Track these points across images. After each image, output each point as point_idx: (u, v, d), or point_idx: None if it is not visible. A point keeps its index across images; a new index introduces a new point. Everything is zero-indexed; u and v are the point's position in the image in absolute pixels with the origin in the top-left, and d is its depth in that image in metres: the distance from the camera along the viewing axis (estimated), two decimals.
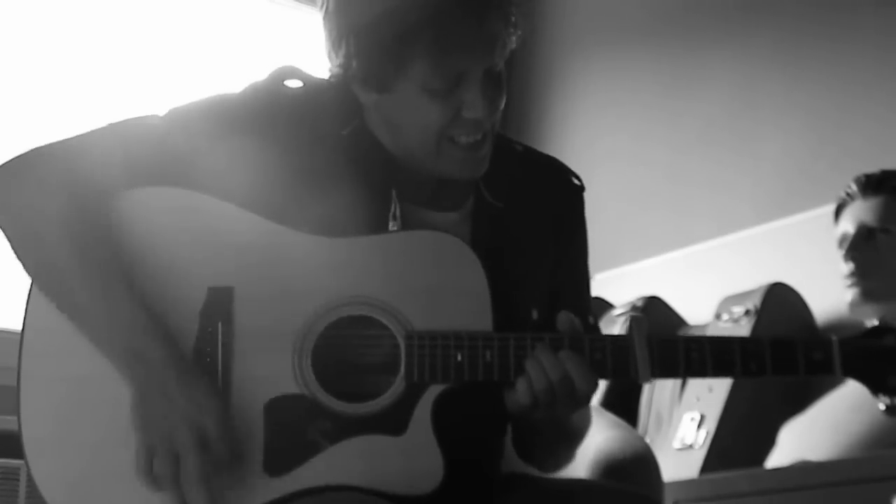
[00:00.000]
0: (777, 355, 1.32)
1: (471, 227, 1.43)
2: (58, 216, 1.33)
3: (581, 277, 1.53)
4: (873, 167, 2.52)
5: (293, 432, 1.31)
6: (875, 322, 2.42)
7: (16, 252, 1.36)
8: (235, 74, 3.60)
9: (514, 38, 1.35)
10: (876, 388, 1.33)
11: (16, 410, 1.33)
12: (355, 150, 1.41)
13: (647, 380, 1.32)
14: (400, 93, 1.34)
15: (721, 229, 3.18)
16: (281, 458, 1.30)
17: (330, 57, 1.37)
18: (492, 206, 1.44)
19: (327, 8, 1.34)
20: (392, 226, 1.40)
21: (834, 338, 1.34)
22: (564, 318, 1.33)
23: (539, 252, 1.46)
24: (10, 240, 1.37)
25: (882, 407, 1.33)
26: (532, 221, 1.47)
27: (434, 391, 1.31)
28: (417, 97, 1.33)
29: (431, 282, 1.34)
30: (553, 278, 1.47)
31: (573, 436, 1.47)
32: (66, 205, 1.33)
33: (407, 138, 1.38)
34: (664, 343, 1.33)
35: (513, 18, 1.34)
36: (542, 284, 1.45)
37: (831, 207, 2.59)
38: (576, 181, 1.52)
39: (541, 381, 1.29)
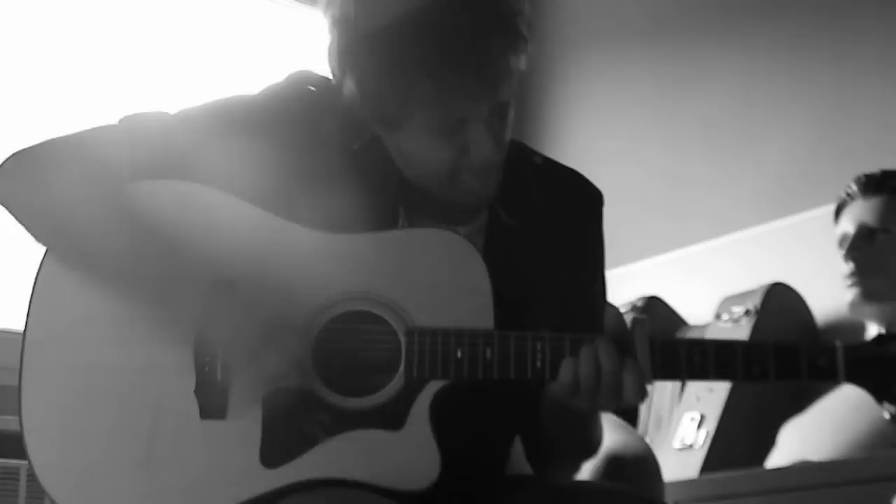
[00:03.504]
0: (780, 360, 1.30)
1: (483, 242, 1.43)
2: (83, 199, 1.34)
3: (595, 293, 1.52)
4: (873, 167, 2.53)
5: (291, 424, 1.31)
6: (881, 329, 2.44)
7: (37, 235, 1.37)
8: (237, 74, 3.61)
9: (522, 62, 1.33)
10: (880, 396, 1.30)
11: (17, 399, 1.33)
12: (365, 164, 1.41)
13: (648, 381, 1.31)
14: (407, 132, 1.34)
15: (721, 229, 3.19)
16: (278, 450, 1.30)
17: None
18: (506, 223, 1.44)
19: (329, 47, 1.34)
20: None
21: (838, 343, 1.31)
22: (613, 317, 1.33)
23: (553, 269, 1.46)
24: (30, 224, 1.37)
25: (887, 416, 1.30)
26: (548, 238, 1.46)
27: (433, 387, 1.31)
28: (423, 137, 1.33)
29: (434, 279, 1.34)
30: (567, 293, 1.46)
31: (588, 446, 1.48)
32: (87, 193, 1.35)
33: (417, 171, 1.38)
34: (666, 345, 1.32)
35: (522, 44, 1.31)
36: (555, 301, 1.44)
37: (831, 207, 2.59)
38: (596, 196, 1.51)
39: (589, 365, 1.29)
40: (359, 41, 1.30)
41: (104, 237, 1.34)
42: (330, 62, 1.35)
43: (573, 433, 1.44)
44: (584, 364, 1.29)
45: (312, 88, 1.44)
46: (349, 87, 1.33)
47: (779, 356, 1.31)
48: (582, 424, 1.43)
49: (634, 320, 1.32)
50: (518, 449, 1.51)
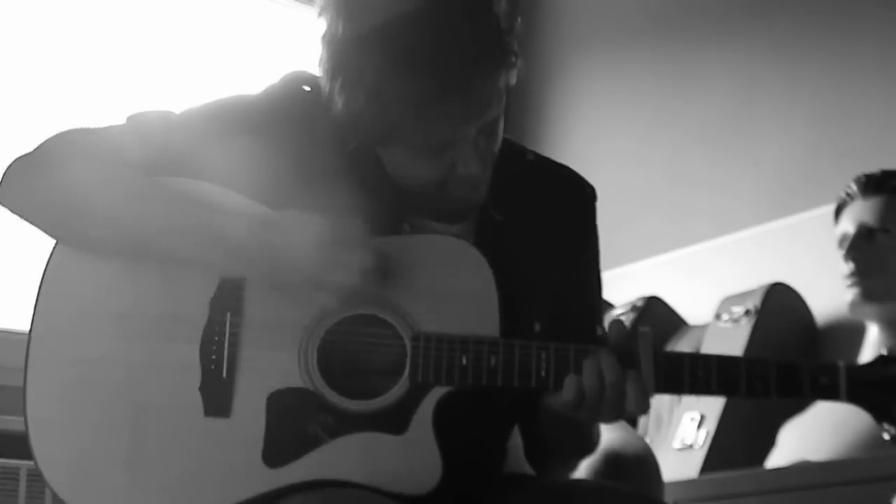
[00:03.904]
0: (783, 378, 1.31)
1: (474, 239, 1.43)
2: (96, 188, 1.35)
3: (591, 288, 1.52)
4: (873, 167, 2.53)
5: (294, 425, 1.31)
6: (880, 328, 2.43)
7: (50, 228, 1.37)
8: (236, 74, 3.61)
9: (513, 76, 1.32)
10: (880, 417, 1.31)
11: (20, 395, 1.33)
12: (361, 166, 1.41)
13: (651, 394, 1.31)
14: (393, 148, 1.35)
15: (721, 229, 3.19)
16: (280, 450, 1.31)
17: None
18: (494, 219, 1.44)
19: (319, 59, 1.33)
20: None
21: (841, 363, 1.32)
22: (615, 328, 1.33)
23: (544, 264, 1.46)
24: (44, 218, 1.37)
25: (886, 437, 1.31)
26: (539, 233, 1.47)
27: (437, 393, 1.32)
28: (409, 156, 1.34)
29: (441, 285, 1.35)
30: (561, 288, 1.46)
31: (586, 445, 1.49)
32: (102, 181, 1.35)
33: (406, 181, 1.38)
34: (670, 359, 1.33)
35: (512, 61, 1.30)
36: (547, 297, 1.45)
37: (831, 207, 2.59)
38: (588, 191, 1.52)
39: (592, 377, 1.29)
40: (346, 65, 1.29)
41: (117, 224, 1.34)
42: (322, 74, 1.34)
43: (572, 434, 1.44)
44: (588, 375, 1.29)
45: (307, 88, 1.44)
46: (337, 105, 1.32)
47: (781, 374, 1.32)
48: (580, 427, 1.43)
49: (639, 333, 1.32)
50: (516, 447, 1.51)
